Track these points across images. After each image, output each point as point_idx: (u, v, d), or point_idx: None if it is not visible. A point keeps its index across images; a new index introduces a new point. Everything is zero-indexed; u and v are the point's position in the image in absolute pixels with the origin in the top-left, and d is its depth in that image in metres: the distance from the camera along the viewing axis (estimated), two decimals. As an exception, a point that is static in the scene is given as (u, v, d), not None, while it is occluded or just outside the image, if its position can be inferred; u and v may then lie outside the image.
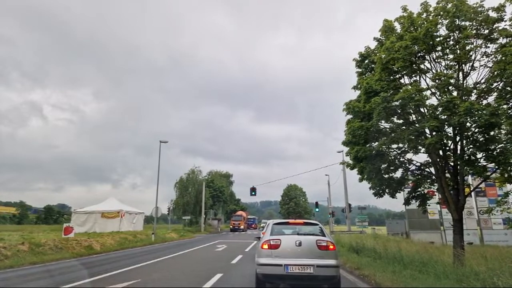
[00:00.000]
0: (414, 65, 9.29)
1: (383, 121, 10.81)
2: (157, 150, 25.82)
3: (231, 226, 48.44)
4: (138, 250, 16.78)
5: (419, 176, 12.75)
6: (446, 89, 8.48)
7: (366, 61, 13.02)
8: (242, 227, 47.99)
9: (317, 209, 38.10)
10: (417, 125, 9.42)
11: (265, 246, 6.44)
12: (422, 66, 9.43)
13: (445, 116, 8.34)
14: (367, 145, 11.14)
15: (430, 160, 11.93)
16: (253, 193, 37.98)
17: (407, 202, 12.98)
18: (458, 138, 9.15)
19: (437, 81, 8.61)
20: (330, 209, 44.29)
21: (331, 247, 6.51)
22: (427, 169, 12.02)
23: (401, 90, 8.69)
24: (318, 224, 7.62)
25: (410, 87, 8.90)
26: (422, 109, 9.76)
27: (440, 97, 8.69)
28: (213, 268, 9.93)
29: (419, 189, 12.85)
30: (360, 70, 13.17)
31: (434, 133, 8.80)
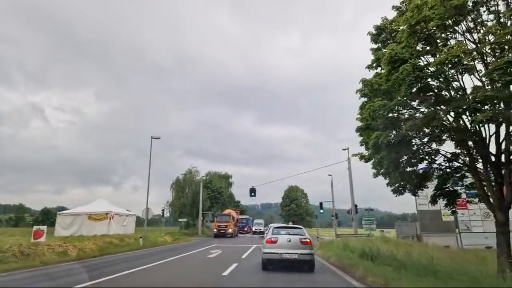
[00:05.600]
0: (454, 23, 7.32)
1: (409, 102, 8.88)
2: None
3: (215, 230, 36.25)
4: (121, 257, 14.76)
5: (448, 169, 10.77)
6: (504, 48, 6.48)
7: (383, 35, 11.09)
8: (230, 230, 36.01)
9: (321, 211, 36.01)
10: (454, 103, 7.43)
11: (268, 242, 10.06)
12: (463, 24, 7.46)
13: (500, 85, 6.36)
14: (387, 131, 9.18)
15: (461, 150, 9.97)
16: (252, 193, 35.94)
17: (433, 200, 10.98)
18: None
19: (489, 39, 6.62)
20: (334, 211, 42.20)
21: (309, 242, 10.04)
22: (459, 160, 10.06)
23: (443, 51, 6.69)
24: (302, 228, 11.26)
25: (455, 48, 6.88)
26: (460, 83, 7.81)
27: (491, 60, 6.70)
28: (197, 281, 7.93)
29: (447, 185, 10.89)
30: (376, 46, 11.24)
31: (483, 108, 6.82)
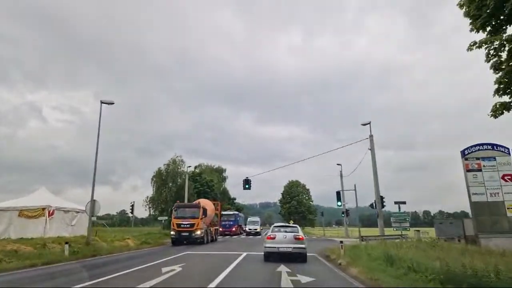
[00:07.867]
0: None
1: None
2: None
3: (172, 232, 22.21)
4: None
5: None
6: None
7: None
8: (198, 232, 21.67)
9: (339, 203, 29.13)
10: None
11: (268, 238, 12.40)
12: None
13: None
14: None
15: None
16: (246, 186, 29.47)
17: None
18: None
19: None
20: (344, 207, 35.32)
21: (301, 238, 12.24)
22: None
23: None
24: (296, 227, 13.93)
25: None
26: None
27: None
28: None
29: None
30: None
31: None
